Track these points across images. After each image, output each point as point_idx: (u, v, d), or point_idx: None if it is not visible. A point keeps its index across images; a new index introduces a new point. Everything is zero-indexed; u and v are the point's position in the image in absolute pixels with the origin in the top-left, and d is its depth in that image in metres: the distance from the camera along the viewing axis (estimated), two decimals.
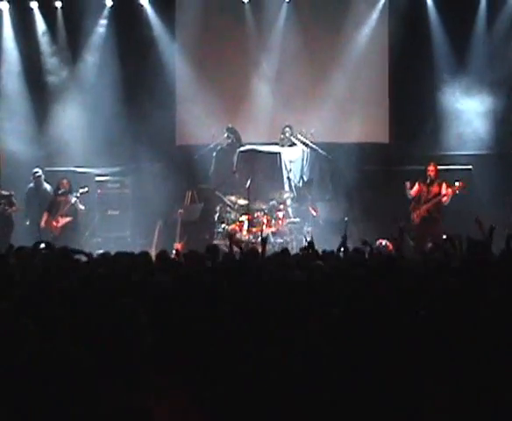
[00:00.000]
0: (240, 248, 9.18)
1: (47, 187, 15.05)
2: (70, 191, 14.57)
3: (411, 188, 13.73)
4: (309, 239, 9.66)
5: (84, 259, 8.31)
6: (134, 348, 3.91)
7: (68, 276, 6.42)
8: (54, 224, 14.39)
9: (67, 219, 14.44)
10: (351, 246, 9.77)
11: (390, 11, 15.51)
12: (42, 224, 14.27)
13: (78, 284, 5.84)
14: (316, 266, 7.09)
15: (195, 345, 4.29)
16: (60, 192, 14.63)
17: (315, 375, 3.39)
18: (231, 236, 9.32)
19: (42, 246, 8.90)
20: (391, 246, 12.17)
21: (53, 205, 14.56)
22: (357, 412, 3.60)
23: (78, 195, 14.44)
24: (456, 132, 15.10)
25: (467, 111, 15.02)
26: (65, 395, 3.16)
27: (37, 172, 14.99)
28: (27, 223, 14.71)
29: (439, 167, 13.85)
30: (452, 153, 15.12)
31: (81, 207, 14.55)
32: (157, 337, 4.20)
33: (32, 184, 15.05)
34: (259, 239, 13.30)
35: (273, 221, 14.29)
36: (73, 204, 14.44)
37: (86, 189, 14.57)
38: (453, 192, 13.42)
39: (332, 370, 3.63)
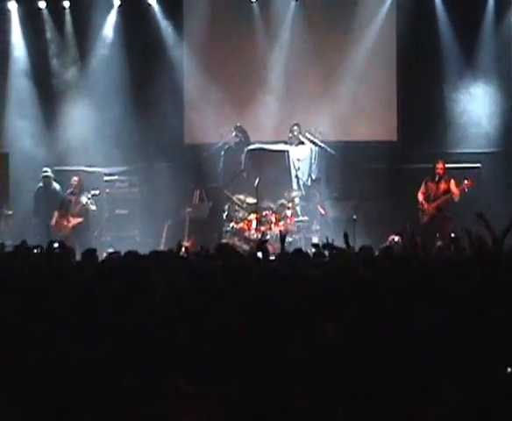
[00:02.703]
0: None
1: (56, 186, 15.11)
2: (81, 190, 14.64)
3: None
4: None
5: None
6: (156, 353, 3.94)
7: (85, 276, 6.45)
8: (65, 223, 14.45)
9: (79, 220, 14.51)
10: (359, 244, 9.78)
11: (398, 10, 15.49)
12: (53, 222, 14.32)
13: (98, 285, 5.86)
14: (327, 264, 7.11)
15: (212, 347, 4.30)
16: (70, 191, 14.71)
17: (331, 376, 3.41)
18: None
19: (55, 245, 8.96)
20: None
21: (63, 204, 14.64)
22: (372, 412, 3.62)
23: (90, 196, 14.50)
24: (464, 130, 15.09)
25: (475, 109, 15.04)
26: (85, 400, 3.19)
27: (46, 171, 15.04)
28: (35, 222, 14.79)
29: (448, 166, 13.85)
30: (461, 151, 15.10)
31: (93, 208, 14.62)
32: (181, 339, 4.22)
33: (40, 184, 15.11)
34: (267, 237, 13.42)
35: (282, 220, 14.32)
36: (84, 205, 14.50)
37: (98, 191, 14.65)
38: (462, 190, 13.42)
39: (347, 370, 3.64)
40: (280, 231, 12.83)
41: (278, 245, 9.45)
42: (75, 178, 14.81)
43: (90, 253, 8.51)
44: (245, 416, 3.30)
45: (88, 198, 14.50)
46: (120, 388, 3.85)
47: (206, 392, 3.75)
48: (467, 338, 4.58)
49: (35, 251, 9.40)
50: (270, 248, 9.91)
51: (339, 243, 9.19)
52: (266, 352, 3.87)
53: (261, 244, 8.94)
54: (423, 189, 13.78)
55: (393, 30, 15.63)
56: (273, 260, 8.32)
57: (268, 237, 13.50)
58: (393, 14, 15.60)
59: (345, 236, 8.87)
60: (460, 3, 15.18)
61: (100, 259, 8.65)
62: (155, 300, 5.50)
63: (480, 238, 7.91)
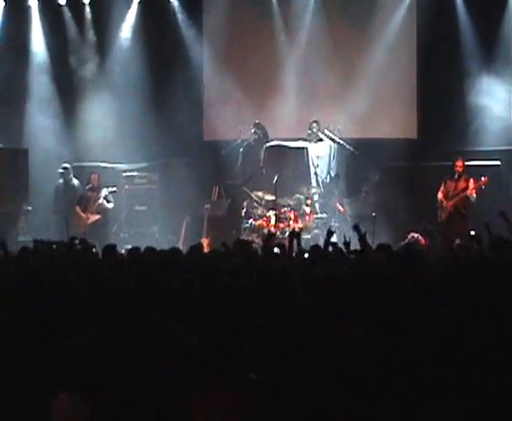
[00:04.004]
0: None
1: (76, 182, 15.17)
2: (100, 187, 14.70)
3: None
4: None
5: None
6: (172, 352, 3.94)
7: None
8: (84, 220, 14.51)
9: (97, 217, 14.57)
10: (378, 241, 9.75)
11: (418, 6, 15.43)
12: (75, 218, 14.38)
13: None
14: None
15: (234, 345, 4.31)
16: (89, 188, 14.78)
17: (357, 376, 3.40)
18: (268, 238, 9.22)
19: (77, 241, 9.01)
20: (423, 241, 12.17)
21: (82, 200, 14.71)
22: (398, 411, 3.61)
23: (106, 194, 14.55)
24: (484, 128, 15.00)
25: (495, 107, 14.93)
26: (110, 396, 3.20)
27: (66, 167, 15.10)
28: (55, 218, 14.86)
29: (467, 163, 13.77)
30: (481, 148, 15.01)
31: (109, 206, 14.66)
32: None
33: (60, 180, 15.17)
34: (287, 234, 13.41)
35: (301, 217, 14.31)
36: (100, 204, 14.57)
37: (114, 189, 14.69)
38: (479, 187, 13.33)
39: (375, 369, 3.63)
40: (293, 230, 12.71)
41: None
42: (94, 175, 14.86)
43: (110, 249, 8.55)
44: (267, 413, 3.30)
45: (105, 197, 14.56)
46: (139, 383, 3.86)
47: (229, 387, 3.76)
48: (488, 338, 4.56)
49: (54, 247, 9.46)
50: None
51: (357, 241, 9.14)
52: (291, 350, 3.87)
53: (268, 239, 8.94)
54: (442, 188, 13.71)
55: (413, 27, 15.57)
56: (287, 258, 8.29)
57: (277, 232, 13.48)
58: (413, 11, 15.54)
59: (356, 227, 8.71)
60: (481, 2, 15.09)
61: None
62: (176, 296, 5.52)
63: (500, 237, 7.89)
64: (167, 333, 4.20)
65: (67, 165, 15.15)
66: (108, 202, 14.69)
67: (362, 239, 8.43)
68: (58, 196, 15.14)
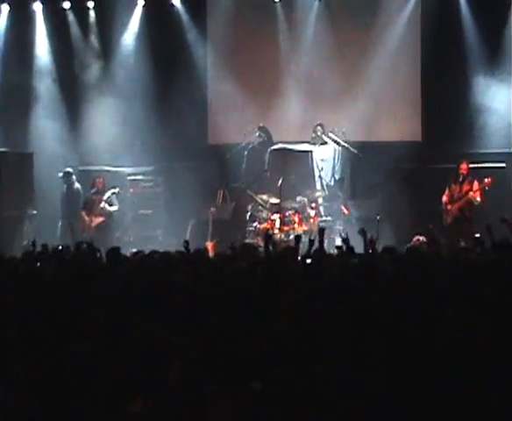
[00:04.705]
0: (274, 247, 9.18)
1: (78, 186, 15.18)
2: (104, 190, 14.73)
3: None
4: (343, 236, 9.58)
5: None
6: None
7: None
8: (89, 223, 14.54)
9: (101, 219, 14.60)
10: (383, 244, 9.75)
11: (422, 8, 15.42)
12: (83, 220, 14.41)
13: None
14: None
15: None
16: (94, 191, 14.80)
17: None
18: (267, 237, 9.22)
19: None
20: (428, 244, 12.14)
21: (87, 204, 14.73)
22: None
23: (107, 196, 14.58)
24: (489, 130, 14.98)
25: (500, 109, 14.91)
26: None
27: (67, 172, 15.12)
28: (61, 223, 14.91)
29: (472, 166, 13.75)
30: (485, 151, 14.99)
31: (110, 209, 14.68)
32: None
33: (64, 185, 15.19)
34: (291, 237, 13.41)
35: (305, 220, 14.29)
36: (104, 207, 14.59)
37: (117, 190, 14.71)
38: (482, 188, 13.31)
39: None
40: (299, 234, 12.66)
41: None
42: (99, 179, 14.88)
43: (114, 252, 8.56)
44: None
45: (107, 198, 14.59)
46: (147, 385, 3.87)
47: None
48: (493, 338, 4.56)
49: (60, 247, 9.50)
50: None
51: (357, 241, 9.14)
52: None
53: (266, 238, 8.94)
54: (447, 192, 13.68)
55: (417, 29, 15.56)
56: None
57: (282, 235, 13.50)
58: (417, 13, 15.53)
59: (362, 232, 8.79)
60: (485, 3, 15.07)
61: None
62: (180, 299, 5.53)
63: (503, 239, 7.90)
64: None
65: (68, 169, 15.16)
66: (110, 205, 14.71)
67: (368, 243, 8.48)
68: (62, 202, 15.17)
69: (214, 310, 5.49)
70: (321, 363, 3.52)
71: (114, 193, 14.70)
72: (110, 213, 14.72)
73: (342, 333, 4.41)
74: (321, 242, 8.67)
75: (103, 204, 14.61)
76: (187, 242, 9.23)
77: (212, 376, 3.97)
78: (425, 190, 14.49)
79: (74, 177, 15.18)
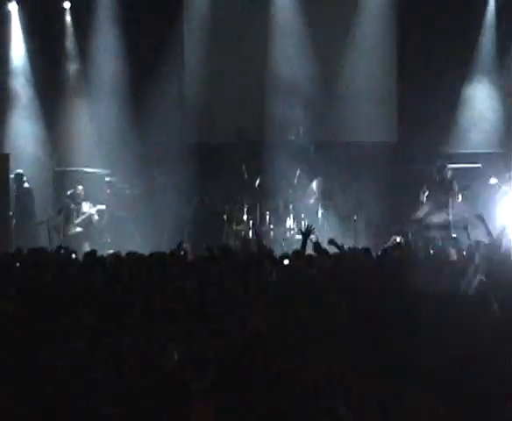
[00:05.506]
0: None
1: (28, 186, 15.02)
2: (84, 199, 14.69)
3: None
4: (314, 240, 9.60)
5: None
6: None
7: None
8: (65, 230, 14.49)
9: (78, 230, 14.56)
10: (359, 244, 9.82)
11: (398, 9, 15.50)
12: (58, 226, 14.38)
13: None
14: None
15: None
16: (70, 192, 14.74)
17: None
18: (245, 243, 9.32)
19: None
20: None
21: (65, 211, 14.65)
22: None
23: (95, 211, 14.56)
24: (465, 131, 15.10)
25: (476, 110, 15.05)
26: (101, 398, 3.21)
27: (18, 173, 14.98)
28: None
29: (448, 166, 13.84)
30: (461, 151, 15.11)
31: (93, 219, 14.68)
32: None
33: (15, 185, 15.00)
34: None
35: (280, 220, 14.33)
36: (86, 218, 14.57)
37: (103, 207, 14.75)
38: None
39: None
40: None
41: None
42: (80, 187, 14.80)
43: (91, 256, 8.56)
44: None
45: (91, 214, 14.57)
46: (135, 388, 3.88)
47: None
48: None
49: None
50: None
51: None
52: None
53: (245, 243, 9.01)
54: (426, 193, 13.71)
55: (393, 29, 15.64)
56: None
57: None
58: (393, 13, 15.60)
59: (332, 242, 8.96)
60: (461, 2, 15.17)
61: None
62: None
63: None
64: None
65: (19, 171, 15.00)
66: (95, 215, 14.72)
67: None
68: (13, 202, 15.06)
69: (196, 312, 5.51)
70: (292, 363, 3.55)
71: (99, 210, 14.71)
72: (92, 223, 14.66)
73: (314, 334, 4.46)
74: (304, 243, 8.76)
75: (85, 216, 14.55)
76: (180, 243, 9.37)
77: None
78: (402, 191, 14.59)
79: (24, 178, 15.04)
